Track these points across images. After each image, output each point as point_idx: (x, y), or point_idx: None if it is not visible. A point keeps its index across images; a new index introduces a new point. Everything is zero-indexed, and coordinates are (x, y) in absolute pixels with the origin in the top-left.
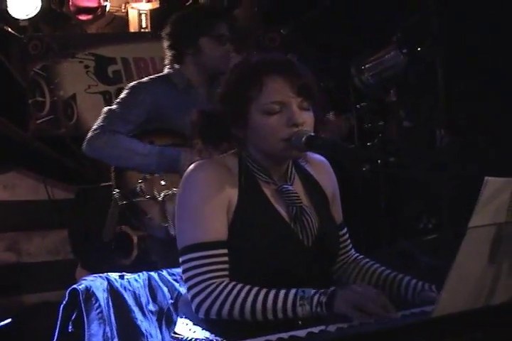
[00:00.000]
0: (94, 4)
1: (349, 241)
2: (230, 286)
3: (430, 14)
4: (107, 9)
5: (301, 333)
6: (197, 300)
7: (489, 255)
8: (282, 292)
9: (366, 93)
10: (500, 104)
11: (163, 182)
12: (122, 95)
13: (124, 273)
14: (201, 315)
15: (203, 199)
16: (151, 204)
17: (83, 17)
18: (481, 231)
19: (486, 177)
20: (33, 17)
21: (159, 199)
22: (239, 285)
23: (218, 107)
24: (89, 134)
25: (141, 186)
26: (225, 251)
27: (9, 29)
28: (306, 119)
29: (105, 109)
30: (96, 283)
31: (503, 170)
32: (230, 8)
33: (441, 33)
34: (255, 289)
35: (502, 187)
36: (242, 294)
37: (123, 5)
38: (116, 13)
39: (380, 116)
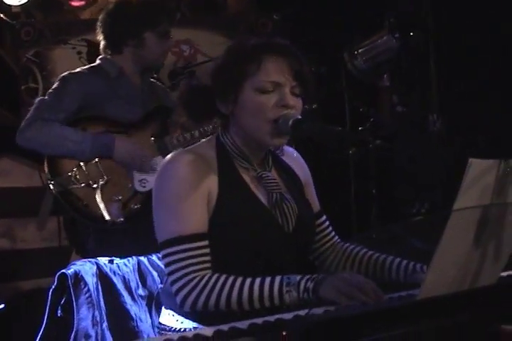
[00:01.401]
0: None
1: (330, 228)
2: (214, 278)
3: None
4: None
5: (288, 316)
6: (182, 294)
7: (474, 237)
8: (268, 280)
9: (359, 78)
10: (499, 104)
11: (97, 170)
12: (54, 86)
13: (113, 258)
14: (187, 308)
15: (181, 192)
16: (86, 191)
17: (76, 3)
18: (466, 214)
19: (470, 159)
20: (25, 3)
21: (94, 186)
22: (223, 277)
23: (209, 81)
24: (21, 125)
25: (75, 174)
26: (206, 243)
27: (1, 15)
28: (296, 104)
29: (37, 99)
30: (85, 267)
31: None
32: None
33: (432, 18)
34: (240, 279)
35: (487, 168)
36: (228, 285)
37: None
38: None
39: (372, 101)
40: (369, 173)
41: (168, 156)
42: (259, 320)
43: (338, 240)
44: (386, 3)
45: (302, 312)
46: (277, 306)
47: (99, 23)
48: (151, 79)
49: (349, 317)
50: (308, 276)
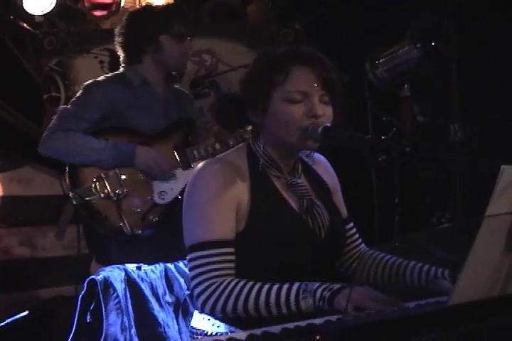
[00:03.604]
0: (108, 0)
1: (357, 235)
2: (232, 283)
3: (443, 9)
4: (122, 5)
5: (319, 321)
6: (201, 298)
7: (505, 243)
8: (285, 286)
9: (380, 88)
10: None
11: (117, 182)
12: (77, 94)
13: (141, 265)
14: (206, 312)
15: (211, 199)
16: (106, 203)
17: (98, 13)
18: (498, 220)
19: (502, 166)
20: (48, 13)
21: (114, 198)
22: (241, 282)
23: (239, 91)
24: (44, 134)
25: (95, 185)
26: (231, 250)
27: (24, 25)
28: (325, 112)
29: (60, 108)
30: (114, 273)
31: None
32: (243, 3)
33: (454, 27)
34: (258, 284)
35: None
36: (245, 290)
37: (137, 0)
38: (130, 9)
39: (394, 111)
40: (392, 182)
41: (199, 165)
42: (290, 325)
43: (365, 247)
44: (408, 13)
45: (332, 318)
46: (294, 313)
47: (116, 37)
48: (176, 87)
49: (381, 322)
50: (326, 285)
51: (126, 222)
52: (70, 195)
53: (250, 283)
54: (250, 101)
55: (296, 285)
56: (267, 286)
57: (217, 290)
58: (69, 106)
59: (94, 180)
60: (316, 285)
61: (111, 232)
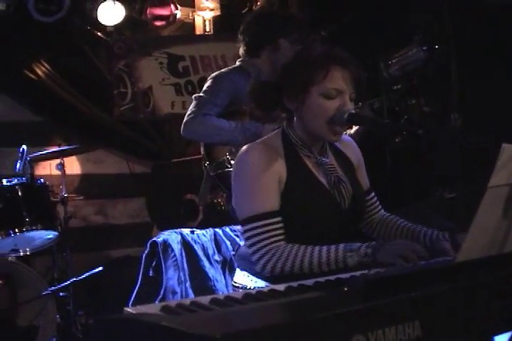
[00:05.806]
0: (167, 13)
1: (378, 203)
2: (288, 248)
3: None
4: (178, 16)
5: (345, 276)
6: (262, 262)
7: (503, 211)
8: (333, 247)
9: (392, 84)
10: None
11: None
12: (208, 83)
13: (194, 229)
14: (267, 273)
15: (257, 176)
16: None
17: (158, 23)
18: (498, 190)
19: (504, 144)
20: (117, 23)
21: None
22: (296, 246)
23: (280, 79)
24: (185, 119)
25: (228, 158)
26: (279, 219)
27: (99, 33)
28: (352, 108)
29: (195, 96)
30: (172, 236)
31: None
32: None
33: (453, 32)
34: (310, 247)
35: None
36: (300, 253)
37: (190, 13)
38: (184, 20)
39: (408, 100)
40: (406, 161)
41: (244, 147)
42: (322, 279)
43: (384, 213)
44: (414, 21)
45: (357, 273)
46: (340, 269)
47: (240, 32)
48: None
49: (399, 276)
50: (366, 243)
51: None
52: (208, 168)
53: (303, 247)
54: (289, 91)
55: (341, 246)
56: (317, 248)
57: (276, 254)
58: (202, 95)
59: (227, 154)
60: (358, 244)
61: None
